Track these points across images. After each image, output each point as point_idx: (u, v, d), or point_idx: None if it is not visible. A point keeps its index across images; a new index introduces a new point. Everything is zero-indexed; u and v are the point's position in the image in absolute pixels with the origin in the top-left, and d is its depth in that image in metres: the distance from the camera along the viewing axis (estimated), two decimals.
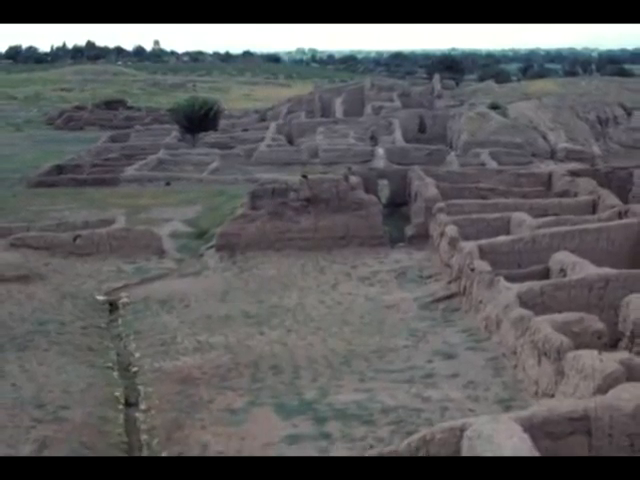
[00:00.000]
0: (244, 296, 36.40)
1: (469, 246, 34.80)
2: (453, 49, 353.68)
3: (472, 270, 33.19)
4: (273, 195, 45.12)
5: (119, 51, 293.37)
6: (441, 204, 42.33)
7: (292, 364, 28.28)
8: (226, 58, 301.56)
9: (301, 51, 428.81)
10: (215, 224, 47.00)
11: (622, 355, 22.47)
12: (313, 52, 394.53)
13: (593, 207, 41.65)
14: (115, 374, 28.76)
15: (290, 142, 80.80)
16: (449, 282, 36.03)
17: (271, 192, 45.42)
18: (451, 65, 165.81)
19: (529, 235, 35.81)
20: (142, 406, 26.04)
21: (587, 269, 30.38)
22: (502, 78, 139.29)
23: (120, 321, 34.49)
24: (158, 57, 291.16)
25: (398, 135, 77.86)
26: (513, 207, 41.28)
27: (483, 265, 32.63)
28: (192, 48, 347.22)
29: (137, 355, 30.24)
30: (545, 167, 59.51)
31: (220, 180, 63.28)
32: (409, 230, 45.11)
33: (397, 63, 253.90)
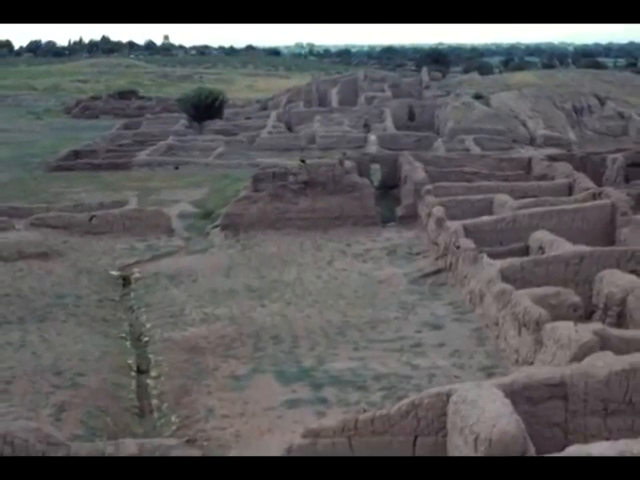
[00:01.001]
0: (247, 272, 36.35)
1: (455, 225, 34.80)
2: (440, 43, 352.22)
3: (457, 247, 33.17)
4: (274, 178, 45.11)
5: (131, 45, 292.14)
6: (429, 187, 42.35)
7: (291, 334, 28.25)
8: (230, 52, 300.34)
9: (300, 45, 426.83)
10: (220, 205, 47.00)
11: (596, 326, 22.41)
12: (311, 46, 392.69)
13: (569, 189, 41.59)
14: (128, 343, 28.78)
15: (289, 129, 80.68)
16: (436, 259, 36.03)
17: (272, 176, 45.43)
18: (438, 58, 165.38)
19: (510, 215, 35.79)
20: (152, 373, 26.04)
21: (563, 247, 30.38)
22: (485, 70, 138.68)
23: (132, 295, 34.48)
24: (167, 51, 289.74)
25: (389, 123, 77.75)
26: (495, 189, 41.23)
27: (468, 243, 32.62)
28: (199, 42, 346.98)
29: (148, 326, 30.23)
30: (525, 152, 59.45)
31: (225, 164, 63.15)
32: (399, 211, 45.12)
33: (388, 56, 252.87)
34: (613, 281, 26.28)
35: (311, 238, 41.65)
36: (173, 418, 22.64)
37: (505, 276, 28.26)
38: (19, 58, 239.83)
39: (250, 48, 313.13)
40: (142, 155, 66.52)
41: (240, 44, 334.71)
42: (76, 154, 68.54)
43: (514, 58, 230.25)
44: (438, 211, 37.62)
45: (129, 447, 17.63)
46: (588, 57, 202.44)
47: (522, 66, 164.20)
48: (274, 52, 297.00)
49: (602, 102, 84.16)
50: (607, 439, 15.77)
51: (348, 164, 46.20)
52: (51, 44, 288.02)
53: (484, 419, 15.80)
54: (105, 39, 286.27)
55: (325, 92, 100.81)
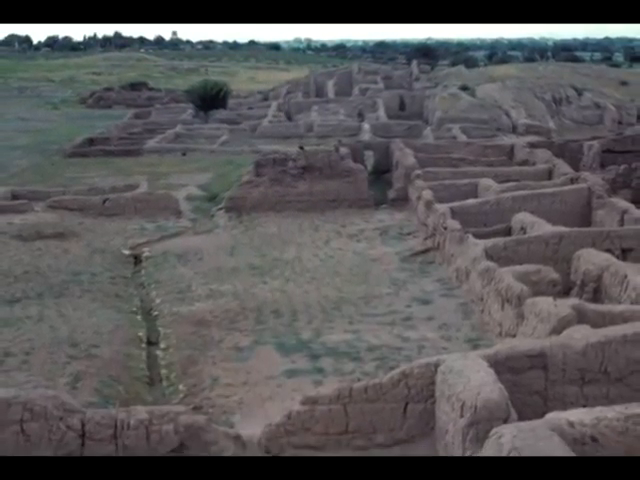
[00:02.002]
0: (249, 251, 36.27)
1: (442, 208, 34.77)
2: (429, 38, 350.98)
3: (445, 228, 33.13)
4: (274, 164, 44.97)
5: (142, 40, 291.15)
6: (418, 171, 42.32)
7: (290, 309, 28.20)
8: (234, 46, 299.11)
9: (298, 40, 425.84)
10: (224, 189, 46.98)
11: (574, 301, 22.36)
12: (309, 41, 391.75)
13: (549, 174, 41.52)
14: (138, 317, 28.72)
15: (289, 118, 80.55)
16: (425, 238, 36.00)
17: (272, 161, 45.28)
18: (427, 52, 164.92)
19: (494, 198, 35.74)
20: (162, 345, 26.02)
21: (544, 227, 30.33)
22: (471, 63, 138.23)
23: (143, 272, 34.42)
24: (175, 45, 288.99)
25: (381, 112, 77.64)
26: (480, 174, 41.13)
27: (454, 224, 32.56)
28: (205, 38, 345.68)
29: (157, 301, 30.17)
30: (508, 140, 59.22)
31: (228, 151, 62.99)
32: (391, 194, 45.04)
33: (381, 51, 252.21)
34: (589, 259, 26.24)
35: (309, 219, 41.58)
36: (180, 387, 22.63)
37: (489, 255, 28.21)
38: (38, 52, 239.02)
39: (252, 43, 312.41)
40: (152, 142, 66.43)
41: (243, 39, 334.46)
42: (90, 141, 68.43)
43: (497, 52, 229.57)
44: (427, 194, 37.61)
45: (140, 413, 17.61)
46: (566, 51, 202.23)
47: (505, 60, 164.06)
48: (274, 47, 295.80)
49: (579, 93, 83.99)
50: (584, 406, 15.74)
51: (343, 151, 46.12)
52: (67, 39, 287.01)
53: (470, 387, 15.79)
54: (117, 35, 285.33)
55: (322, 84, 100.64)
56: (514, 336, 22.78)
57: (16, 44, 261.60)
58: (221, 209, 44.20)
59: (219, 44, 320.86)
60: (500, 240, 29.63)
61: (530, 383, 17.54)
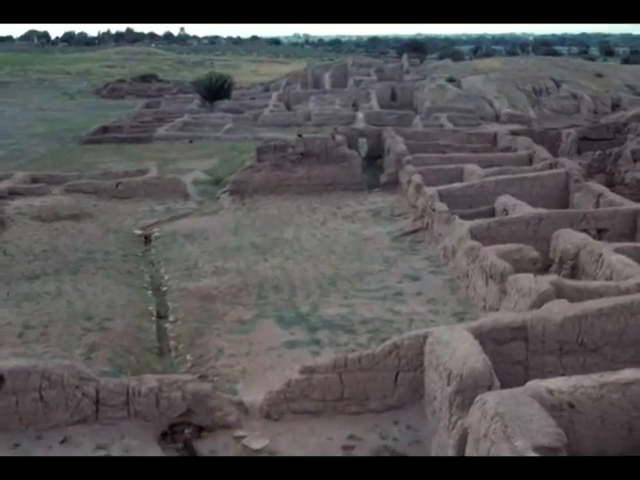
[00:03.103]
0: (251, 231, 36.16)
1: (430, 191, 34.72)
2: (418, 34, 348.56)
3: (433, 210, 33.08)
4: (275, 150, 44.84)
5: (152, 36, 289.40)
6: (408, 157, 42.26)
7: (290, 285, 28.12)
8: (237, 41, 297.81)
9: (297, 36, 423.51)
10: (228, 173, 46.91)
11: (552, 277, 22.30)
12: (307, 37, 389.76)
13: (529, 160, 41.41)
14: (149, 293, 28.65)
15: (288, 108, 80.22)
16: (415, 219, 35.90)
17: (273, 148, 45.17)
18: (416, 47, 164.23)
19: (478, 182, 35.66)
20: (170, 318, 25.94)
21: (524, 209, 30.28)
22: (457, 57, 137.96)
23: (153, 250, 34.32)
24: (183, 40, 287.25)
25: (374, 102, 77.29)
26: (466, 160, 41.06)
27: (442, 206, 32.51)
28: (210, 33, 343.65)
29: (166, 277, 30.10)
30: (491, 128, 58.98)
31: (232, 138, 62.80)
32: (383, 178, 44.90)
33: (373, 45, 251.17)
34: (567, 239, 26.17)
35: (307, 202, 41.46)
36: (188, 357, 22.57)
37: (474, 234, 28.15)
38: (55, 47, 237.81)
39: (254, 38, 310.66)
40: (161, 130, 66.25)
41: (246, 35, 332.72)
42: (104, 129, 68.21)
43: (482, 47, 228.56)
44: (416, 178, 37.59)
45: (150, 382, 17.58)
46: (546, 46, 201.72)
47: (489, 54, 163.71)
48: (275, 42, 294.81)
49: (558, 85, 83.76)
50: (562, 375, 15.68)
51: (339, 138, 45.98)
52: (83, 35, 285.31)
53: (456, 357, 15.76)
54: (129, 30, 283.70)
55: (319, 76, 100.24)
56: (497, 310, 22.72)
57: (35, 39, 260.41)
58: (225, 192, 44.10)
59: (224, 39, 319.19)
60: (484, 221, 29.56)
61: (512, 353, 17.51)
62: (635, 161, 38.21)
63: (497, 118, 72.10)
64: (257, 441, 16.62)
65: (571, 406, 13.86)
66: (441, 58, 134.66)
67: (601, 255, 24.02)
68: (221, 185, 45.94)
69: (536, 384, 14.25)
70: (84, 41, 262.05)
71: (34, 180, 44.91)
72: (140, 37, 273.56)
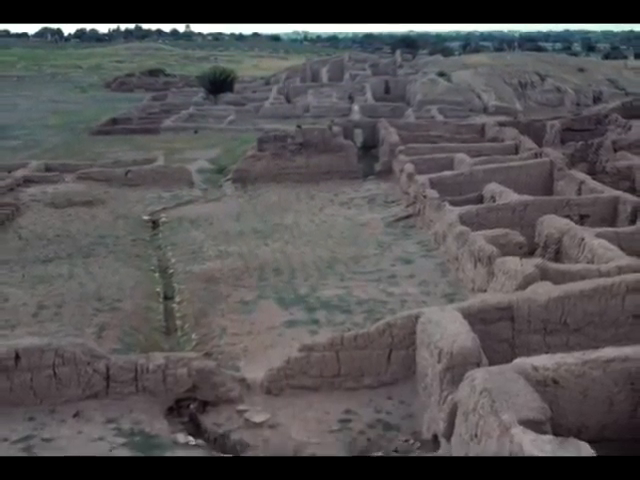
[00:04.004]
0: (253, 217, 36.09)
1: (422, 179, 34.63)
2: (411, 31, 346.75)
3: (424, 197, 33.00)
4: (275, 140, 44.70)
5: (159, 32, 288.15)
6: (401, 147, 42.18)
7: (289, 268, 28.06)
8: (240, 38, 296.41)
9: (296, 33, 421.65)
10: (231, 162, 46.86)
11: (537, 261, 22.24)
12: (305, 34, 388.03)
13: (516, 149, 41.31)
14: (156, 275, 28.61)
15: (288, 101, 79.93)
16: (407, 206, 35.83)
17: (273, 138, 45.03)
18: (409, 43, 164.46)
19: (467, 170, 35.56)
20: (177, 299, 25.90)
21: (511, 196, 30.17)
22: (447, 53, 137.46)
23: (160, 235, 34.25)
24: (189, 37, 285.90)
25: (369, 95, 77.10)
26: (455, 149, 40.90)
27: (433, 193, 32.42)
28: (214, 30, 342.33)
29: (173, 261, 30.03)
30: (479, 119, 58.81)
31: (235, 129, 62.65)
32: (377, 167, 44.86)
33: (368, 42, 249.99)
34: (551, 224, 26.09)
35: (305, 189, 41.38)
36: (193, 336, 22.54)
37: (463, 220, 28.05)
38: (68, 43, 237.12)
39: (256, 35, 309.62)
40: (168, 122, 66.06)
41: (248, 31, 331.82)
42: (114, 121, 68.01)
43: (471, 43, 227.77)
44: (409, 167, 37.48)
45: (157, 359, 17.54)
46: (531, 42, 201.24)
47: (477, 49, 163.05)
48: (275, 38, 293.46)
49: (542, 79, 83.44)
50: (546, 353, 15.63)
51: (336, 129, 45.92)
52: (94, 32, 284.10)
53: (446, 336, 15.72)
54: (138, 27, 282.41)
55: (317, 71, 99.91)
56: (485, 291, 22.68)
57: (49, 36, 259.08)
58: (228, 180, 44.03)
59: (227, 36, 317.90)
60: (473, 207, 29.47)
61: (499, 332, 17.47)
62: (615, 151, 38.11)
63: (485, 110, 71.84)
64: (258, 415, 16.62)
65: (555, 382, 13.82)
66: (432, 54, 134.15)
67: (583, 240, 23.95)
68: (224, 173, 45.85)
69: (522, 361, 14.20)
70: (95, 38, 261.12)
71: (48, 169, 44.83)
72: (148, 34, 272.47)
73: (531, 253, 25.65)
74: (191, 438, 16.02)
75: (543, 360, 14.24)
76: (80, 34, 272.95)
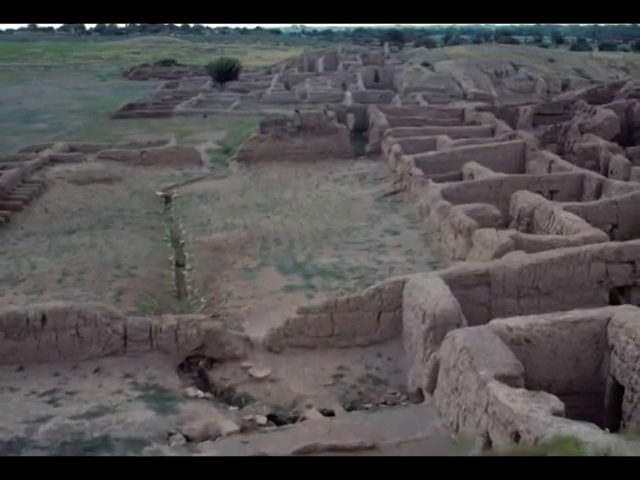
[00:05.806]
0: (256, 192, 35.87)
1: (408, 158, 34.47)
2: (398, 26, 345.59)
3: (410, 174, 32.83)
4: (276, 124, 44.41)
5: (172, 27, 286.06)
6: (389, 130, 41.92)
7: (288, 238, 27.92)
8: (244, 32, 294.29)
9: (295, 27, 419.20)
10: (236, 143, 46.52)
11: (511, 232, 22.17)
12: (303, 28, 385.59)
13: (492, 132, 41.03)
14: (169, 245, 28.46)
15: (287, 88, 79.32)
16: (395, 182, 35.66)
17: (274, 122, 44.76)
18: (396, 36, 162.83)
19: (449, 151, 35.38)
20: (187, 266, 25.78)
21: (488, 174, 30.06)
22: (430, 45, 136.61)
23: (172, 209, 34.08)
24: (198, 31, 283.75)
25: (360, 83, 76.50)
26: (438, 132, 40.60)
27: (417, 171, 32.28)
28: (221, 25, 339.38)
29: (184, 232, 29.87)
30: (459, 105, 58.31)
31: (240, 114, 62.07)
32: (368, 147, 44.57)
33: (360, 35, 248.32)
34: (524, 199, 25.98)
35: (303, 168, 41.15)
36: (202, 299, 22.45)
37: (445, 195, 27.92)
38: (90, 36, 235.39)
39: (258, 29, 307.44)
40: (179, 107, 65.53)
41: (251, 26, 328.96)
42: (131, 106, 67.38)
43: (452, 36, 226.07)
44: (396, 148, 37.31)
45: (170, 320, 17.45)
46: (506, 35, 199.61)
47: (457, 42, 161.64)
48: (276, 32, 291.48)
49: (516, 68, 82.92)
50: (520, 315, 15.58)
51: (330, 113, 45.60)
52: (113, 26, 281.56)
53: (429, 299, 15.68)
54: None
55: (313, 61, 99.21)
56: (464, 259, 22.60)
57: (72, 29, 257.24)
58: (234, 159, 43.81)
59: (232, 30, 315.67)
60: (453, 184, 29.33)
61: (477, 296, 17.43)
62: (582, 133, 37.88)
63: (464, 97, 71.27)
64: (261, 371, 16.58)
65: (527, 341, 13.78)
66: (417, 46, 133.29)
67: (553, 213, 23.85)
68: (230, 153, 45.55)
69: (498, 322, 14.15)
70: (114, 31, 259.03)
71: (71, 149, 44.51)
72: (161, 28, 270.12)
73: (506, 225, 25.54)
74: (200, 391, 16.00)
75: (517, 321, 14.20)
76: (100, 28, 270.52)
